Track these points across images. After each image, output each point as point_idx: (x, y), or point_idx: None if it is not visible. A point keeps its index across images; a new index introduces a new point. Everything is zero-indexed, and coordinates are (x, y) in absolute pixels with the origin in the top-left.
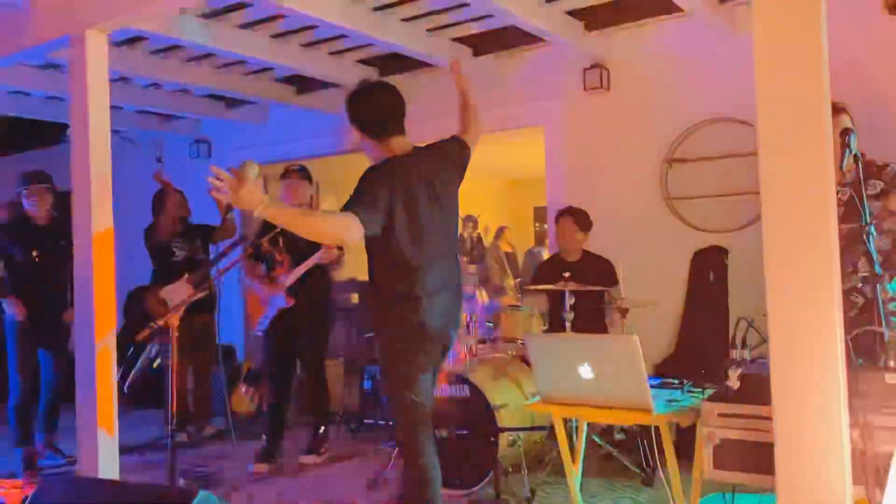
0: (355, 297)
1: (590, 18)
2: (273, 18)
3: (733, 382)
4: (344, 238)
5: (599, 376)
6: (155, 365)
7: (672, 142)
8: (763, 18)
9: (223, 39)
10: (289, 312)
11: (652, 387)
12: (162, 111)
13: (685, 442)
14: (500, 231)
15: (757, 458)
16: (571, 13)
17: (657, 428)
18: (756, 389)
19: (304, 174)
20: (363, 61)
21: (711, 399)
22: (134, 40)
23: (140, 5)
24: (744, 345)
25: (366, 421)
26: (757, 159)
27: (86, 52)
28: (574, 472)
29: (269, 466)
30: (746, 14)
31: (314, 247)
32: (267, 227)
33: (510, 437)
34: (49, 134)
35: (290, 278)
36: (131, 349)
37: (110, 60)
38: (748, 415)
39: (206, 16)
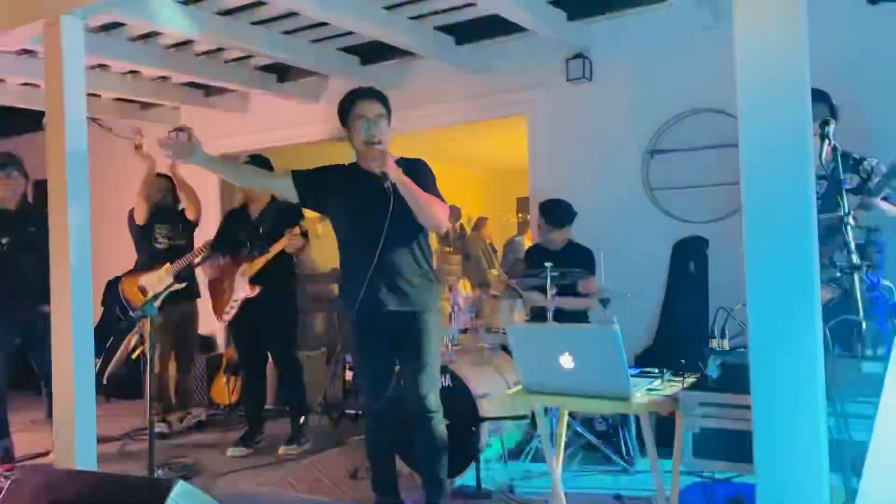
0: (335, 288)
1: (572, 8)
2: (254, 5)
3: (713, 371)
4: (444, 225)
5: (580, 366)
6: (135, 355)
7: (654, 132)
8: (744, 9)
9: (203, 26)
10: (254, 302)
11: (632, 376)
12: (140, 99)
13: (666, 430)
14: (480, 222)
15: (736, 446)
16: (554, 2)
17: (638, 417)
18: (735, 378)
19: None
20: (345, 49)
21: (691, 388)
22: (112, 26)
23: None
24: (723, 334)
25: (347, 411)
26: (738, 150)
27: (61, 38)
28: (555, 460)
29: (247, 450)
30: (728, 4)
31: (278, 234)
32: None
33: (492, 427)
34: (25, 121)
35: (254, 267)
36: (110, 339)
37: (87, 47)
38: (727, 403)
39: (185, 2)
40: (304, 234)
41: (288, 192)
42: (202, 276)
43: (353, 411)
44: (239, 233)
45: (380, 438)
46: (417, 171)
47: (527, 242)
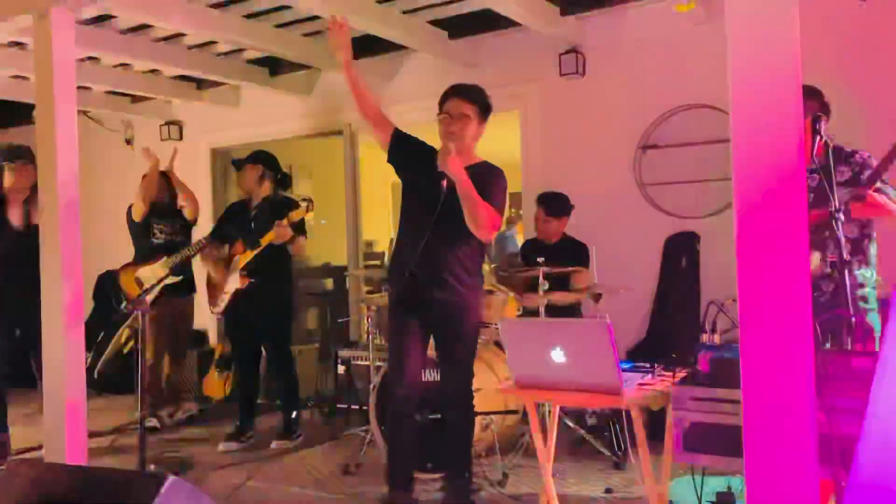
0: (329, 283)
1: (565, 3)
2: None
3: (703, 366)
4: (487, 233)
5: (571, 360)
6: (126, 349)
7: (646, 128)
8: (736, 4)
9: (194, 19)
10: (249, 296)
11: (623, 370)
12: (132, 92)
13: (656, 425)
14: None
15: (726, 440)
16: None
17: (628, 411)
18: (726, 373)
19: (257, 160)
20: None
21: (682, 383)
22: (102, 19)
23: None
24: (714, 329)
25: (339, 406)
26: (730, 146)
27: (51, 30)
28: (546, 455)
29: (238, 445)
30: (720, 0)
31: (269, 227)
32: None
33: (483, 421)
34: (16, 114)
35: (244, 259)
36: (101, 333)
37: (78, 40)
38: (718, 398)
39: None
40: (296, 226)
41: (384, 141)
42: (200, 272)
43: (345, 405)
44: (235, 225)
45: (401, 426)
46: (485, 177)
47: (518, 236)
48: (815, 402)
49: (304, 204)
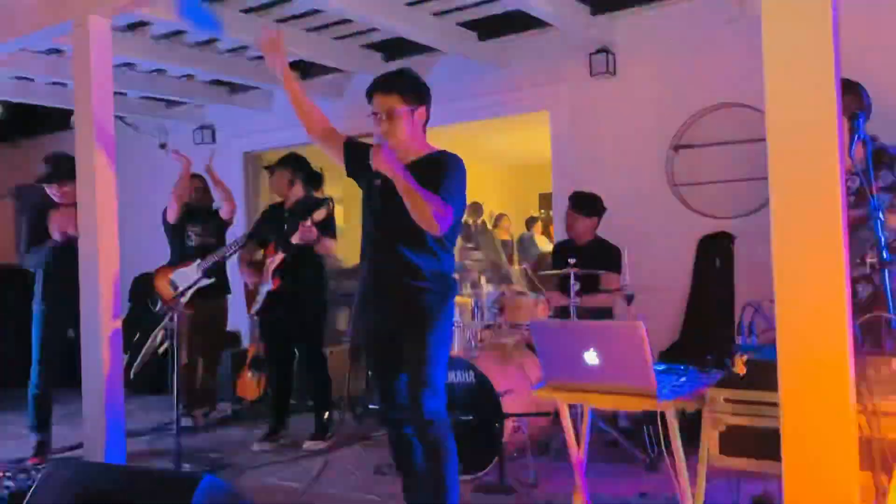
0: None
1: (596, 2)
2: (277, 3)
3: (739, 368)
4: (434, 227)
5: (605, 362)
6: (161, 350)
7: (678, 127)
8: (772, 1)
9: (227, 24)
10: (283, 297)
11: (657, 372)
12: (166, 97)
13: (690, 427)
14: (499, 219)
15: (764, 444)
16: None
17: (662, 414)
18: (763, 375)
19: (286, 164)
20: (368, 46)
21: (718, 385)
22: (137, 25)
23: None
24: (750, 331)
25: (370, 406)
26: (764, 144)
27: (88, 38)
28: (579, 457)
29: (271, 445)
30: None
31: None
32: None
33: (515, 423)
34: (54, 120)
35: (276, 261)
36: (137, 335)
37: (114, 47)
38: (755, 401)
39: (210, 0)
40: (322, 227)
41: (338, 157)
42: (234, 274)
43: (376, 406)
44: (270, 227)
45: (401, 447)
46: (432, 167)
47: (536, 237)
48: (854, 404)
49: (325, 204)
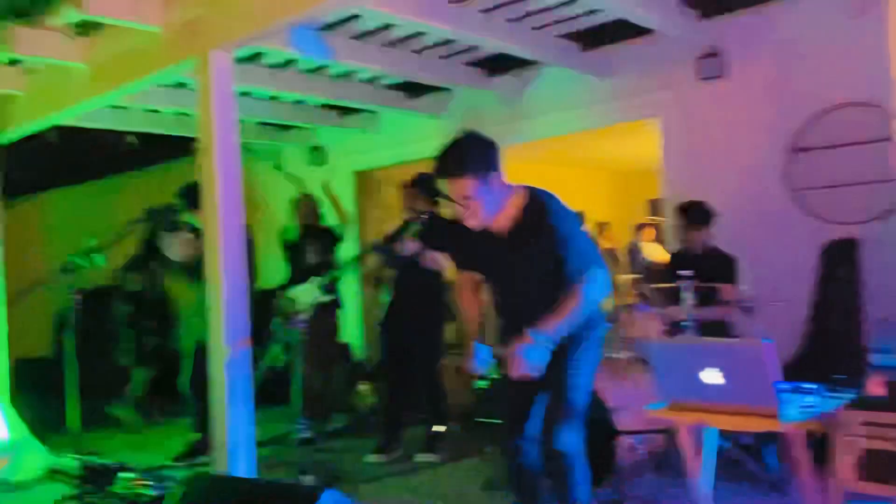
0: None
1: (704, 6)
2: (384, 28)
3: (877, 389)
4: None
5: (727, 382)
6: (279, 364)
7: (797, 129)
8: None
9: (337, 51)
10: (400, 309)
11: (783, 392)
12: (280, 122)
13: (818, 447)
14: (602, 228)
15: None
16: (685, 2)
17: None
18: None
19: (418, 185)
20: (471, 63)
21: (853, 406)
22: (253, 57)
23: (259, 24)
24: (888, 349)
25: (479, 420)
26: (892, 145)
27: (212, 72)
28: (698, 476)
29: (385, 458)
30: None
31: None
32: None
33: (630, 440)
34: (179, 147)
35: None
36: (257, 349)
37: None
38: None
39: (319, 30)
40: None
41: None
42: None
43: (485, 420)
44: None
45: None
46: (538, 228)
47: (646, 245)
48: None
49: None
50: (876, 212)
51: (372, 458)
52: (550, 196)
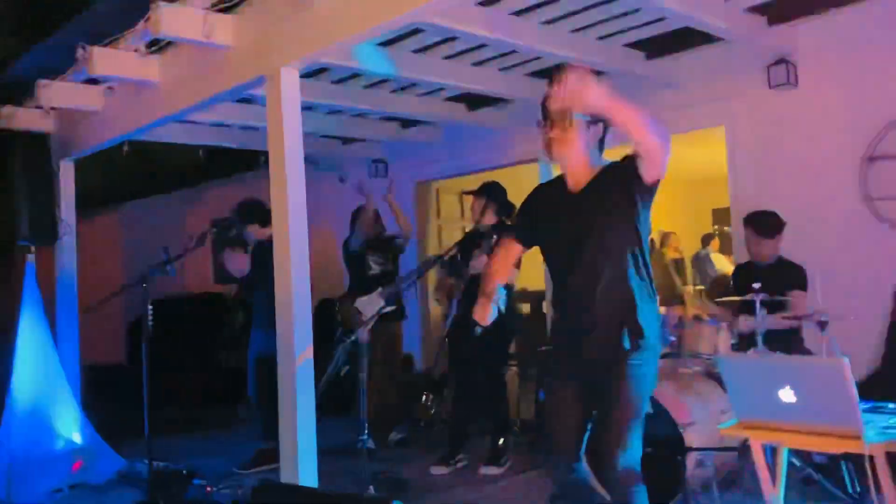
0: (527, 307)
1: (773, 12)
2: (445, 41)
3: None
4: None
5: (803, 400)
6: (342, 373)
7: (872, 137)
8: None
9: (399, 64)
10: (466, 321)
11: (864, 411)
12: (343, 135)
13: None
14: (666, 237)
15: None
16: (753, 8)
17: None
18: None
19: (482, 192)
20: (533, 74)
21: None
22: (317, 72)
23: (326, 42)
24: None
25: (544, 432)
26: None
27: (280, 88)
28: (771, 495)
29: (448, 469)
30: None
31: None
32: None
33: (698, 457)
34: (247, 160)
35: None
36: (321, 359)
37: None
38: None
39: (382, 44)
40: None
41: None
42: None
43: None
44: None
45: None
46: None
47: (713, 255)
48: None
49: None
50: None
51: (436, 469)
52: None
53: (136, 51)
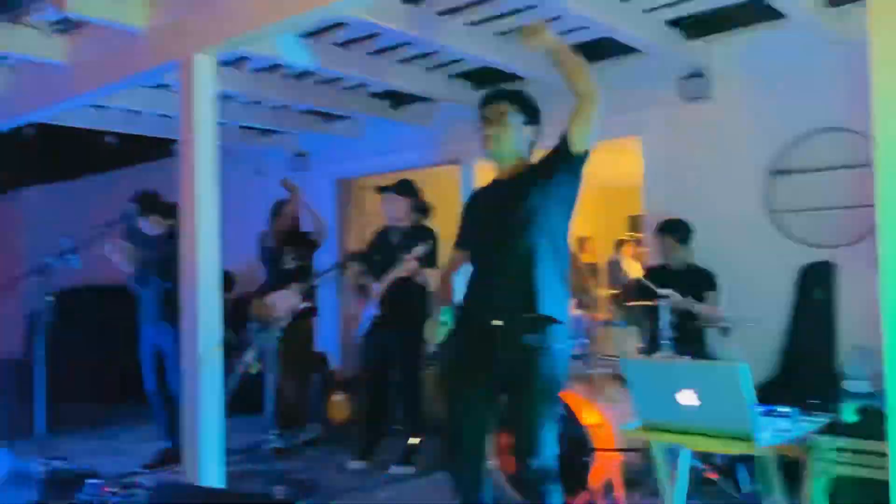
0: None
1: (689, 27)
2: (369, 37)
3: (850, 415)
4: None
5: (703, 404)
6: (254, 371)
7: (777, 152)
8: (880, 23)
9: (322, 58)
10: (383, 320)
11: (760, 415)
12: (262, 126)
13: (787, 468)
14: (583, 242)
15: (875, 497)
16: (671, 23)
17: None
18: (876, 425)
19: (400, 190)
20: (457, 75)
21: (826, 432)
22: (237, 61)
23: (243, 28)
24: (861, 375)
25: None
26: (870, 170)
27: (194, 75)
28: (671, 495)
29: (362, 466)
30: (858, 18)
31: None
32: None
33: (603, 458)
34: (159, 148)
35: (380, 287)
36: (229, 355)
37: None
38: (868, 451)
39: (305, 36)
40: (423, 260)
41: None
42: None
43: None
44: (378, 251)
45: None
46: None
47: (625, 262)
48: None
49: (428, 240)
50: (853, 236)
51: (354, 464)
52: None
53: (40, 28)
